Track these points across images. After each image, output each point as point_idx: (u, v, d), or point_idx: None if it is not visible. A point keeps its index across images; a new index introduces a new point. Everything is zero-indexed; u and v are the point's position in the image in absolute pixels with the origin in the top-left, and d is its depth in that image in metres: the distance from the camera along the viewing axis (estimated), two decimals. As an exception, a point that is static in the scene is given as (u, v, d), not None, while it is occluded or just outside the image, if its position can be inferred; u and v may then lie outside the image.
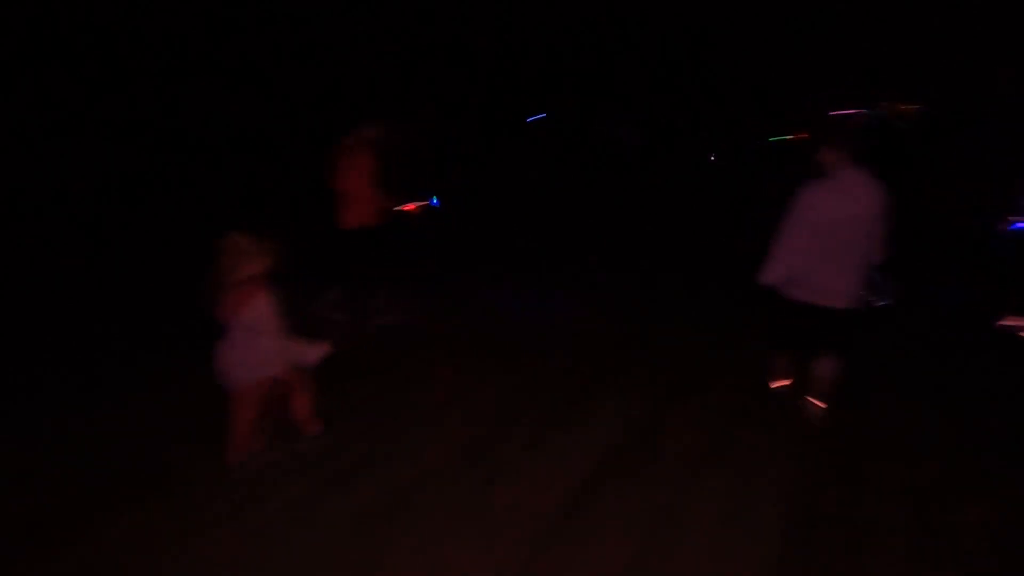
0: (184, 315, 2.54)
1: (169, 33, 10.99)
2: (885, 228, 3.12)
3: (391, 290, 4.78)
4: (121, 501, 2.79)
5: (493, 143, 14.71)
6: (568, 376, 4.05)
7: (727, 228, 8.17)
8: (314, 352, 3.00)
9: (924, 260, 5.86)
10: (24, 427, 3.40)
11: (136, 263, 6.40)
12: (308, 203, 4.13)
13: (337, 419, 3.46)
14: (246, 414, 2.84)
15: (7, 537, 2.59)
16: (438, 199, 4.88)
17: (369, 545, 2.55)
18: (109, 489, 2.87)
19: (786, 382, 3.62)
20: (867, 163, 3.03)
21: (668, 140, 15.71)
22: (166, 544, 2.54)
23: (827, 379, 3.39)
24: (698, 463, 3.11)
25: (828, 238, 3.00)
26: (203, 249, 2.82)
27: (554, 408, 3.65)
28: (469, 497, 2.84)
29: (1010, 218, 5.09)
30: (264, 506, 2.76)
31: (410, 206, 4.75)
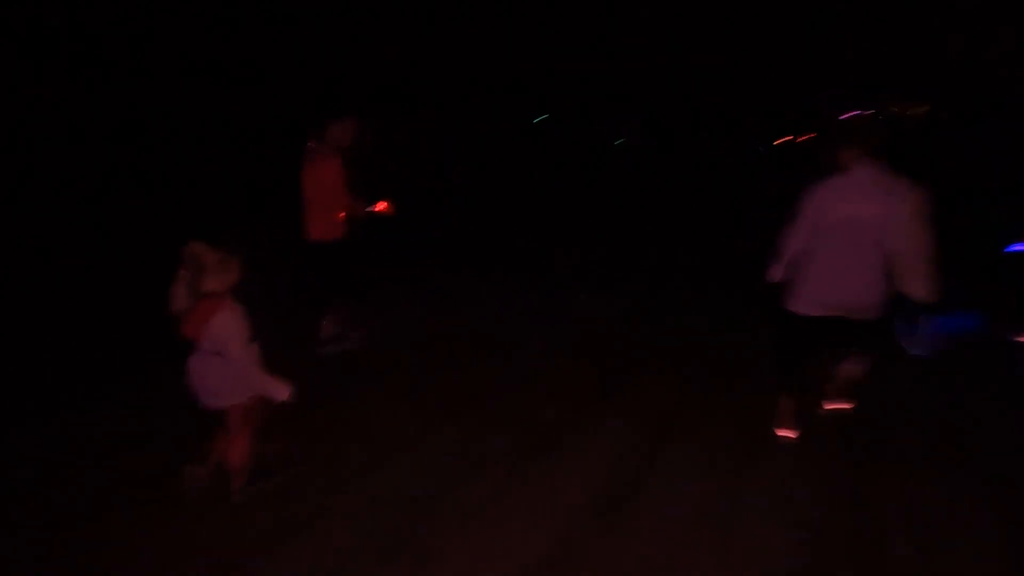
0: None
1: (169, 33, 11.01)
2: (928, 245, 2.71)
3: (348, 313, 4.39)
4: (121, 501, 2.79)
5: (493, 143, 14.72)
6: (570, 377, 4.04)
7: (728, 228, 8.18)
8: (280, 389, 2.58)
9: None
10: (24, 428, 3.39)
11: (136, 263, 6.40)
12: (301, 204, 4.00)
13: (336, 419, 3.46)
14: (224, 435, 2.72)
15: (7, 538, 2.58)
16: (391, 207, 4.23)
17: (368, 547, 2.54)
18: (109, 489, 2.86)
19: (792, 434, 3.27)
20: (884, 161, 2.80)
21: (669, 140, 15.75)
22: (167, 545, 2.54)
23: (852, 379, 3.32)
24: (699, 469, 3.10)
25: (840, 239, 2.79)
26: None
27: (558, 410, 3.63)
28: (476, 500, 2.84)
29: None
30: (265, 508, 2.75)
31: (380, 206, 4.18)
